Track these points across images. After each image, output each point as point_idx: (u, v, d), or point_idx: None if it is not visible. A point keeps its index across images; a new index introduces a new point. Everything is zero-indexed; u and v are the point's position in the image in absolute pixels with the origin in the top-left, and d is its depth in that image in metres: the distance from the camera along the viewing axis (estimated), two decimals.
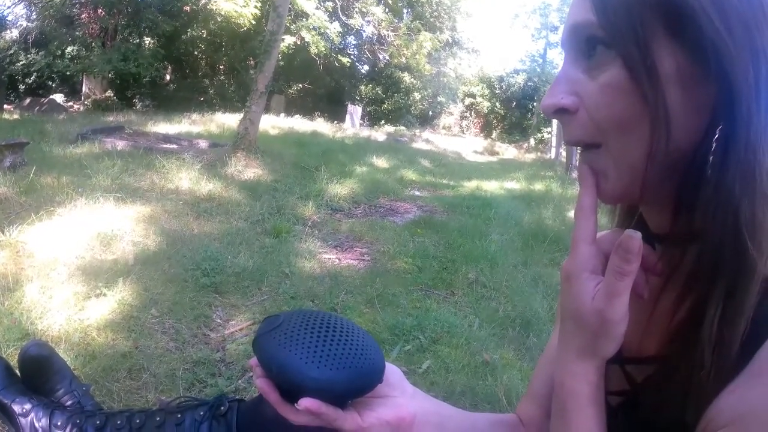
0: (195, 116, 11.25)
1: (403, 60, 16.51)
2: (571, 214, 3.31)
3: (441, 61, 22.11)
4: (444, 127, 24.27)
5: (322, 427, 0.54)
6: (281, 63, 13.60)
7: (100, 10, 14.35)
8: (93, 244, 3.07)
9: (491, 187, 7.78)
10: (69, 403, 0.87)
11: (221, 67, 17.56)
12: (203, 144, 7.64)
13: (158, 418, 0.78)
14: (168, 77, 17.04)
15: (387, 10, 17.06)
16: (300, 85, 19.10)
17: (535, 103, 20.16)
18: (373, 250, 3.93)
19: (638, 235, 0.42)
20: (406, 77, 20.53)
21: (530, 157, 16.01)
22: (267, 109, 10.67)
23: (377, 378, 0.56)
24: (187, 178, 4.94)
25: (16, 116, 10.16)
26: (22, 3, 15.04)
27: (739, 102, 0.39)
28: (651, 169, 0.42)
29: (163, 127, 9.30)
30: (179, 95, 15.52)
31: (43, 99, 13.87)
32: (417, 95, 21.71)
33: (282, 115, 14.21)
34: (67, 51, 15.24)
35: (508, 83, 22.49)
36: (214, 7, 13.40)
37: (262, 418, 0.72)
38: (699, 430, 0.40)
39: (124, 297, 2.53)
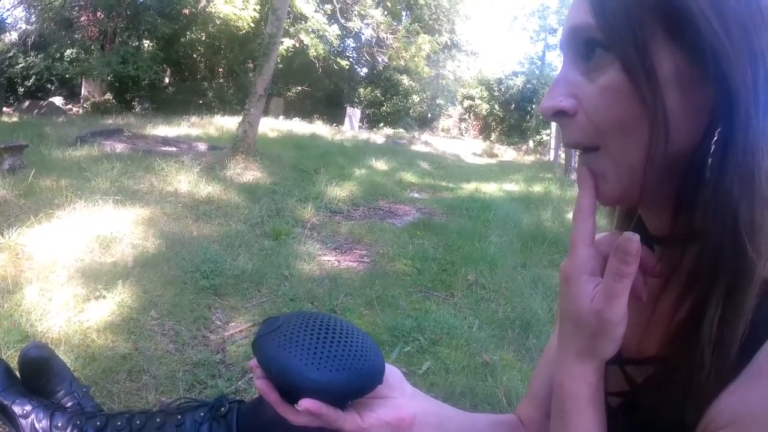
0: (194, 119, 11.28)
1: (402, 62, 16.51)
2: (570, 215, 3.31)
3: (440, 63, 22.10)
4: (443, 130, 24.28)
5: (322, 427, 0.54)
6: (280, 66, 13.60)
7: (99, 13, 14.38)
8: (92, 246, 3.07)
9: (490, 189, 7.79)
10: (69, 404, 0.87)
11: (220, 70, 17.56)
12: (202, 147, 7.65)
13: (158, 420, 0.78)
14: (167, 80, 17.05)
15: (386, 12, 17.07)
16: (299, 88, 19.12)
17: (534, 106, 20.17)
18: (372, 252, 3.93)
19: (637, 237, 0.42)
20: (405, 80, 20.53)
21: (529, 159, 16.04)
22: (266, 112, 10.70)
23: (377, 379, 0.56)
24: (186, 181, 4.94)
25: (15, 119, 10.15)
26: (22, 5, 15.04)
27: (737, 104, 0.39)
28: (650, 171, 0.42)
29: (162, 129, 9.32)
30: (178, 98, 15.51)
31: (42, 102, 13.82)
32: (416, 98, 21.69)
33: (281, 117, 14.24)
34: (66, 54, 15.21)
35: (507, 85, 22.51)
36: (213, 10, 13.43)
37: (262, 419, 0.72)
38: (699, 430, 0.40)
39: (124, 299, 2.53)
